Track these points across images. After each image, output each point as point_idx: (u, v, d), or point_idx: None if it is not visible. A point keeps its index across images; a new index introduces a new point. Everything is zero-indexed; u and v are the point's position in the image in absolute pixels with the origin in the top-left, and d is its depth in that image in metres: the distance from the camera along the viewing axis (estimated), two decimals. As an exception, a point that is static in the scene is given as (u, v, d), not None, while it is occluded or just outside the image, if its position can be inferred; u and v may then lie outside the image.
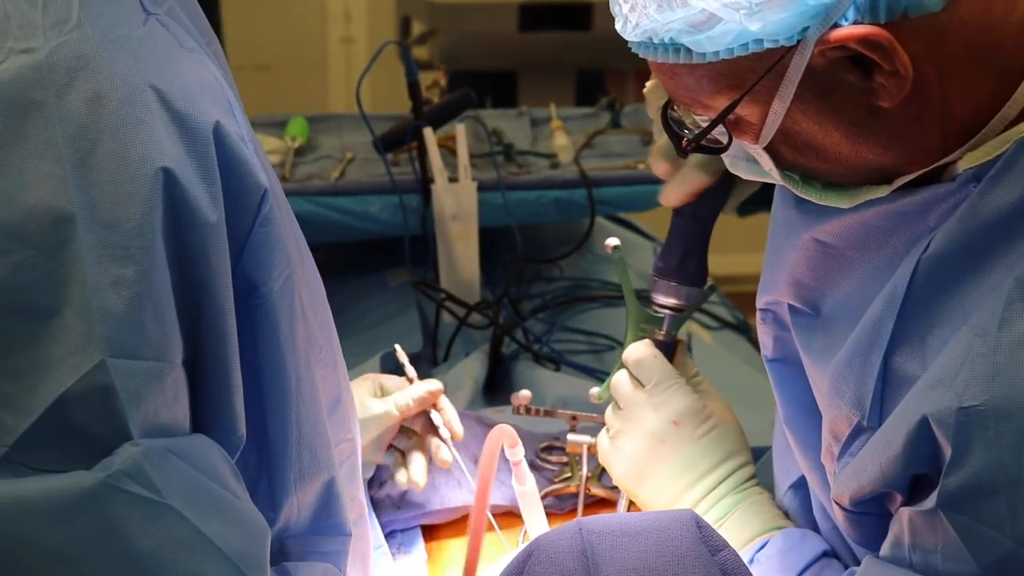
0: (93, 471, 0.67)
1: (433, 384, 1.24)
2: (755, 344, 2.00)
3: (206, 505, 0.71)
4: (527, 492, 1.16)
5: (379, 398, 1.22)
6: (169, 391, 0.71)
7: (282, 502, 0.84)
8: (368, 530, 1.01)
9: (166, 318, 0.71)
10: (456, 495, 1.26)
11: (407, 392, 1.23)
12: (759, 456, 1.30)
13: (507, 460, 1.33)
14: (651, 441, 1.10)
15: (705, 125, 0.87)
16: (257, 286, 0.78)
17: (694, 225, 1.14)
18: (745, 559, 1.02)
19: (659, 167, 1.13)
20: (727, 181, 1.14)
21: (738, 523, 1.07)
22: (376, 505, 1.25)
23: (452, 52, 2.92)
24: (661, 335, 1.17)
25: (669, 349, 1.17)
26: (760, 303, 1.04)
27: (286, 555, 0.87)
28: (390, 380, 1.25)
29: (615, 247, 1.20)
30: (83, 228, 0.68)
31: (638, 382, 1.13)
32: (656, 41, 0.82)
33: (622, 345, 1.20)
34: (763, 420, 1.49)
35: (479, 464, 1.06)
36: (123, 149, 0.69)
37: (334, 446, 0.90)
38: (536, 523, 1.17)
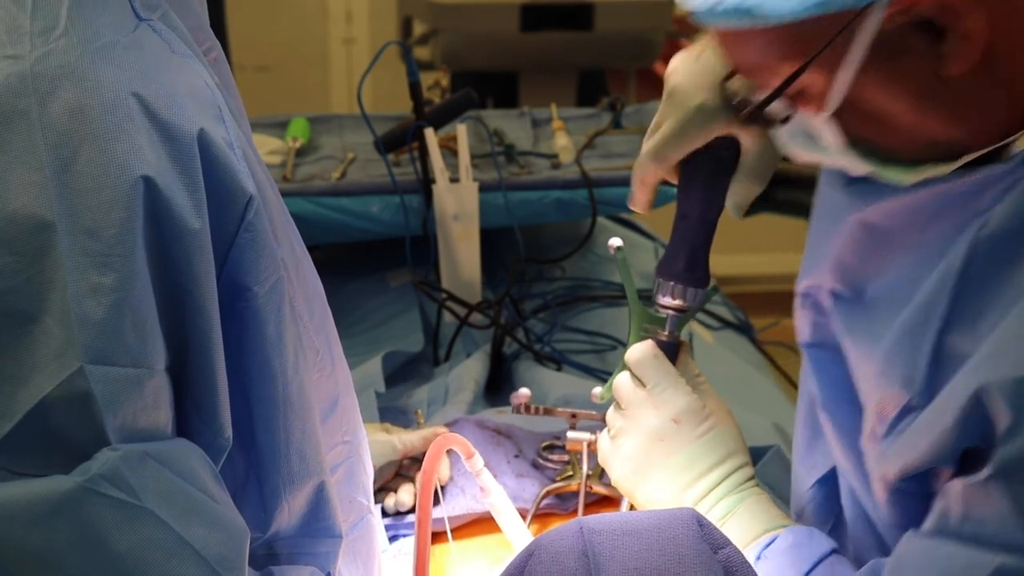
0: (72, 475, 0.68)
1: (439, 428, 1.33)
2: (756, 344, 2.00)
3: (184, 508, 0.72)
4: (495, 502, 1.17)
5: (388, 433, 1.28)
6: (149, 397, 0.72)
7: (274, 506, 0.84)
8: (372, 532, 1.01)
9: (146, 325, 0.71)
10: (459, 502, 1.26)
11: (417, 432, 1.30)
12: (759, 456, 1.30)
13: (508, 461, 1.34)
14: (651, 440, 1.09)
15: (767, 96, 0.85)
16: (243, 290, 0.78)
17: (697, 226, 1.15)
18: (751, 556, 1.01)
19: (640, 198, 1.15)
20: (727, 183, 1.14)
21: (742, 521, 1.07)
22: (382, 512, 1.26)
23: (453, 52, 2.91)
24: (664, 336, 1.17)
25: (672, 350, 1.17)
26: (799, 288, 1.03)
27: (275, 557, 0.87)
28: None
29: (618, 248, 1.20)
30: (63, 235, 0.69)
31: (639, 382, 1.14)
32: (720, 9, 0.80)
33: (624, 345, 1.20)
34: (764, 420, 1.49)
35: (421, 471, 1.06)
36: (103, 157, 0.70)
37: (329, 449, 0.90)
38: (513, 531, 1.17)
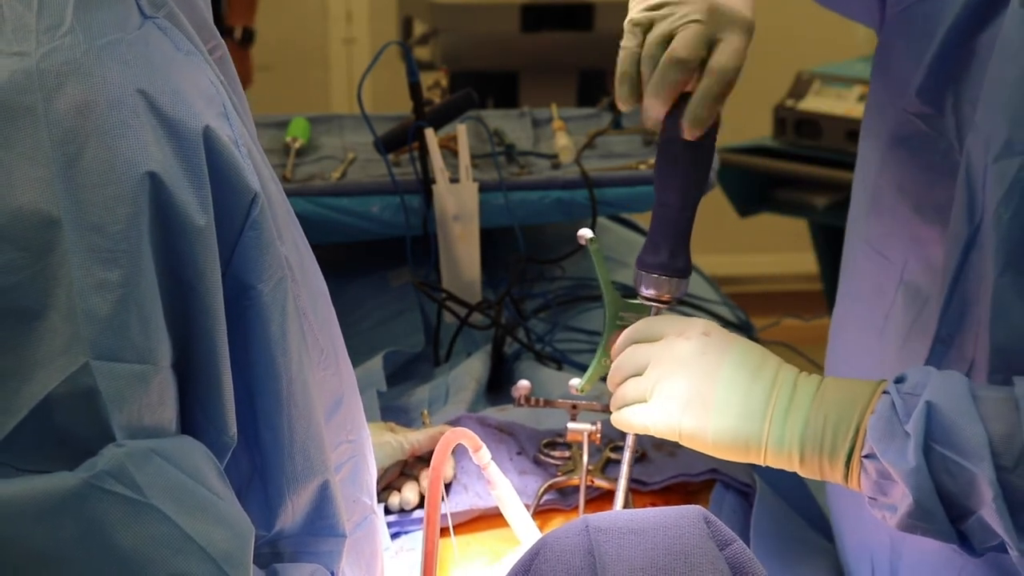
0: (76, 472, 0.68)
1: (445, 426, 1.31)
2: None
3: (189, 505, 0.72)
4: (502, 495, 1.17)
5: (393, 433, 1.28)
6: (154, 394, 0.72)
7: (278, 504, 0.84)
8: (375, 532, 1.01)
9: (152, 321, 0.71)
10: (462, 499, 1.27)
11: (423, 431, 1.30)
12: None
13: (510, 458, 1.34)
14: (694, 361, 1.02)
15: None
16: (247, 288, 0.78)
17: (675, 215, 1.14)
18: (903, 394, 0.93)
19: (656, 108, 1.09)
20: (707, 166, 1.14)
21: (842, 384, 0.99)
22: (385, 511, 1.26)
23: (453, 52, 2.92)
24: None
25: None
26: None
27: (279, 556, 0.87)
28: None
29: (590, 239, 1.20)
30: (69, 231, 0.69)
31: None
32: None
33: (601, 336, 1.19)
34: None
35: (431, 467, 1.06)
36: (109, 153, 0.70)
37: (333, 448, 0.90)
38: (520, 525, 1.17)
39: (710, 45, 1.08)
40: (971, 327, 0.97)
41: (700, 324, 1.06)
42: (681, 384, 1.02)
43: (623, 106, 1.11)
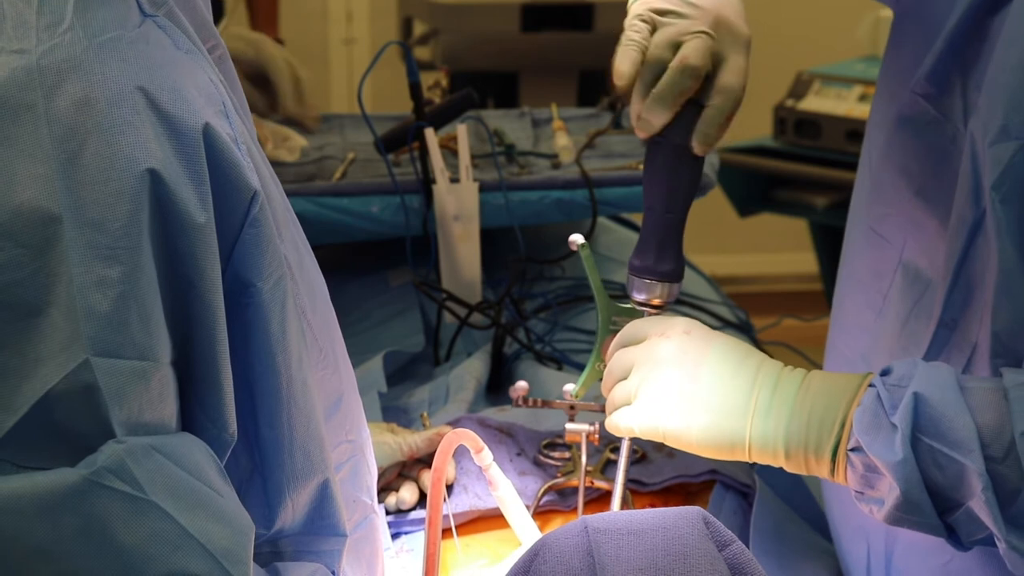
0: (77, 468, 0.69)
1: (444, 428, 1.31)
2: (757, 344, 2.00)
3: (190, 502, 0.72)
4: (503, 496, 1.17)
5: (393, 434, 1.28)
6: (154, 390, 0.72)
7: (277, 503, 0.84)
8: (376, 532, 1.01)
9: (152, 318, 0.72)
10: (462, 500, 1.27)
11: (421, 433, 1.30)
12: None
13: (510, 459, 1.34)
14: (676, 361, 1.02)
15: None
16: (247, 286, 0.78)
17: (665, 218, 1.14)
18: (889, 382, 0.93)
19: (659, 115, 1.10)
20: (698, 170, 1.14)
21: (828, 377, 0.98)
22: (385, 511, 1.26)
23: (454, 52, 2.92)
24: None
25: None
26: None
27: (280, 555, 0.87)
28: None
29: (581, 244, 1.20)
30: (70, 228, 0.69)
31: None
32: None
33: (596, 336, 1.19)
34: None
35: (432, 469, 1.06)
36: (110, 150, 0.70)
37: (333, 447, 0.91)
38: (521, 526, 1.17)
39: (716, 60, 1.09)
40: (975, 311, 0.97)
41: (681, 323, 1.06)
42: (663, 384, 1.02)
43: (621, 80, 1.10)
